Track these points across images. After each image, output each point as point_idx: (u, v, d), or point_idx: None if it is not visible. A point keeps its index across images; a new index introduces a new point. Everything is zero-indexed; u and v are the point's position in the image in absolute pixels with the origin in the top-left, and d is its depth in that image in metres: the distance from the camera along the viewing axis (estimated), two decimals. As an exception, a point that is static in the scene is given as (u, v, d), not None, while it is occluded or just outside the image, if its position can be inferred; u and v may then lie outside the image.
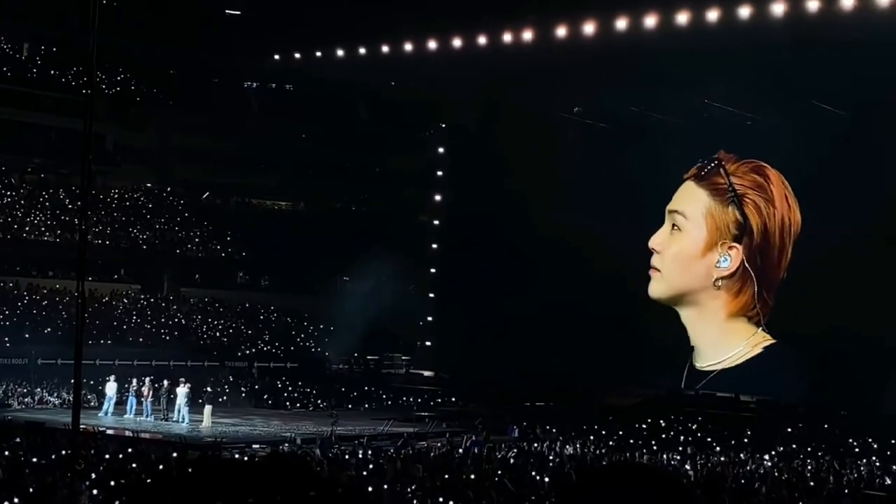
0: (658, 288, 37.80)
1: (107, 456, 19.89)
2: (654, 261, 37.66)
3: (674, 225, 37.58)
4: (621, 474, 1.81)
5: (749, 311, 36.56)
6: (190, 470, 1.41)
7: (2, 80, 48.20)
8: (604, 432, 31.22)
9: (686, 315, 37.67)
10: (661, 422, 33.04)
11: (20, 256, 45.59)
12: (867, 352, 33.11)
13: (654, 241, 37.71)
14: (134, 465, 18.76)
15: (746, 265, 36.46)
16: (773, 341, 36.10)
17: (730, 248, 36.71)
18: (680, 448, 28.41)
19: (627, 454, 26.85)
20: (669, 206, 37.69)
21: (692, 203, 37.31)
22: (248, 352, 45.32)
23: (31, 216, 46.99)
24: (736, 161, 36.97)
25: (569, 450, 27.79)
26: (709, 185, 37.11)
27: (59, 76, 49.14)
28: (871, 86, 32.02)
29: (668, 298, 37.79)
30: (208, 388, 35.20)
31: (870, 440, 29.40)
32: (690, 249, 37.20)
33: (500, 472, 20.22)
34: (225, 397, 38.25)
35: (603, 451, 27.51)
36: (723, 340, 36.90)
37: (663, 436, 31.06)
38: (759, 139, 36.66)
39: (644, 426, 32.50)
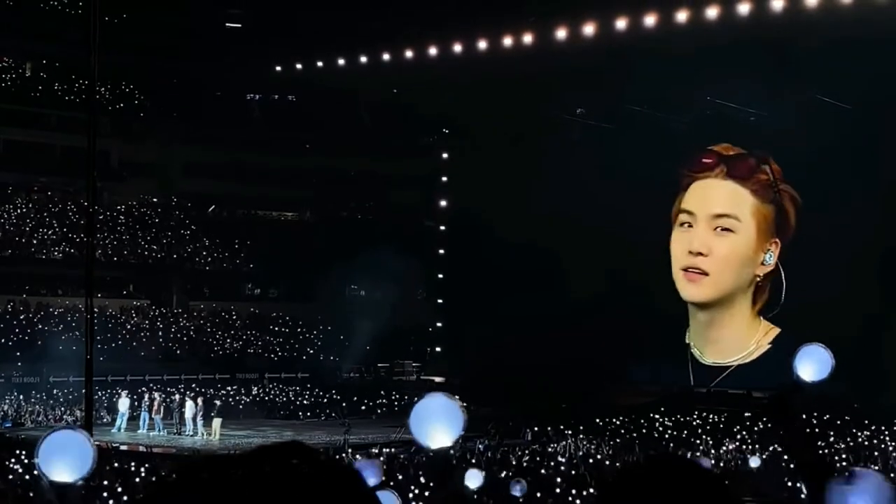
0: (703, 292, 37.11)
1: (119, 468, 19.91)
2: (701, 264, 36.88)
3: (720, 227, 36.92)
4: (660, 471, 1.81)
5: (773, 305, 36.40)
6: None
7: (6, 99, 48.34)
8: (620, 431, 31.20)
9: (714, 315, 37.24)
10: (675, 419, 33.02)
11: (29, 275, 45.72)
12: (878, 342, 33.00)
13: (698, 245, 36.92)
14: (145, 479, 18.79)
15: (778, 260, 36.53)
16: (778, 330, 36.09)
17: (772, 244, 36.55)
18: (695, 445, 28.37)
19: (641, 453, 26.82)
20: (714, 210, 36.95)
21: (739, 203, 36.72)
22: (258, 363, 45.37)
23: (39, 234, 47.12)
24: (749, 155, 36.72)
25: (582, 450, 27.80)
26: (753, 183, 36.54)
27: (63, 94, 49.26)
28: (874, 80, 31.97)
29: (711, 301, 37.27)
30: (217, 402, 35.27)
31: (884, 431, 29.32)
32: (744, 250, 36.69)
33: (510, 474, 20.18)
34: (241, 407, 38.35)
35: (611, 451, 27.49)
36: (746, 336, 36.75)
37: (676, 433, 31.04)
38: (762, 135, 36.61)
39: (657, 424, 32.48)
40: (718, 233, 36.97)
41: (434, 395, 3.65)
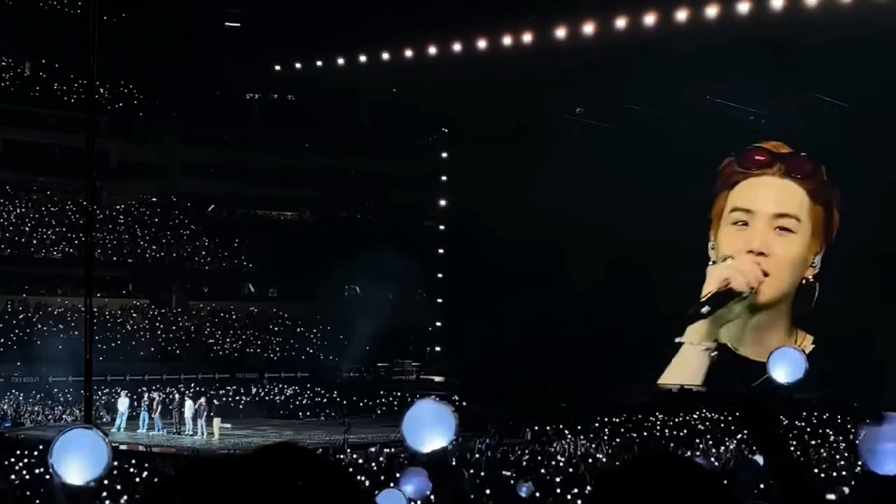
0: (764, 293, 36.10)
1: (120, 469, 19.90)
2: (762, 264, 35.88)
3: (780, 227, 36.06)
4: (651, 470, 1.79)
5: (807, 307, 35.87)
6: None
7: (5, 99, 48.34)
8: (620, 431, 31.19)
9: (763, 318, 36.32)
10: (675, 419, 33.02)
11: (28, 275, 45.72)
12: (879, 342, 33.00)
13: (759, 245, 35.97)
14: (145, 478, 18.78)
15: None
16: (811, 338, 35.31)
17: (821, 246, 35.93)
18: (695, 445, 28.37)
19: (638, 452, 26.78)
20: (775, 209, 36.07)
21: (798, 203, 35.94)
22: (258, 362, 45.38)
23: (39, 234, 47.11)
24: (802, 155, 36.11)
25: (581, 450, 27.80)
26: (809, 183, 35.73)
27: (62, 94, 49.26)
28: (874, 79, 31.95)
29: (768, 303, 36.29)
30: (215, 401, 35.29)
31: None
32: (801, 252, 35.93)
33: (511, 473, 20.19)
34: (241, 407, 38.36)
35: (611, 450, 27.49)
36: (787, 341, 35.18)
37: (676, 433, 31.03)
38: (762, 135, 36.61)
39: (658, 424, 32.47)
40: (778, 233, 35.98)
41: (424, 400, 3.71)
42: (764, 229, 36.12)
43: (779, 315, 36.25)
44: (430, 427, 3.61)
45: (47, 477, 17.72)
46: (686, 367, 37.32)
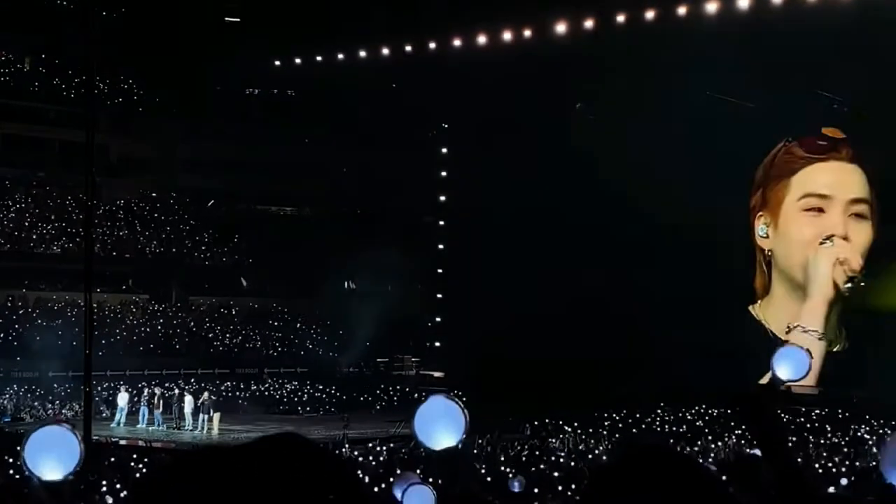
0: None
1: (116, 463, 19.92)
2: (843, 251, 34.32)
3: (855, 213, 34.65)
4: (640, 467, 1.77)
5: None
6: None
7: (4, 94, 48.30)
8: (619, 426, 31.21)
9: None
10: (676, 414, 33.02)
11: (28, 270, 45.71)
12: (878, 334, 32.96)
13: (841, 231, 34.47)
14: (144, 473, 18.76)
15: None
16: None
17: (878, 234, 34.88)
18: (697, 439, 28.38)
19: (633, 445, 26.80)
20: (851, 195, 34.70)
21: (868, 189, 34.72)
22: (257, 358, 45.41)
23: (38, 229, 47.11)
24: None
25: (581, 445, 27.82)
26: (870, 169, 34.65)
27: (62, 89, 49.23)
28: (874, 76, 31.91)
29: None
30: (213, 397, 35.32)
31: (883, 425, 29.33)
32: (871, 239, 34.63)
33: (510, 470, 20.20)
34: (241, 402, 38.37)
35: (611, 445, 27.52)
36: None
37: (676, 428, 31.05)
38: (762, 130, 36.54)
39: (658, 419, 32.48)
40: (854, 219, 34.68)
41: (435, 397, 3.70)
42: (839, 215, 34.76)
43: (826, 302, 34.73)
44: (442, 424, 3.62)
45: (18, 478, 17.76)
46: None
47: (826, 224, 34.70)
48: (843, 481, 15.81)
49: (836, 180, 35.15)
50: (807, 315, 34.46)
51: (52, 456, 3.20)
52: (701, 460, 23.79)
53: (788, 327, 34.60)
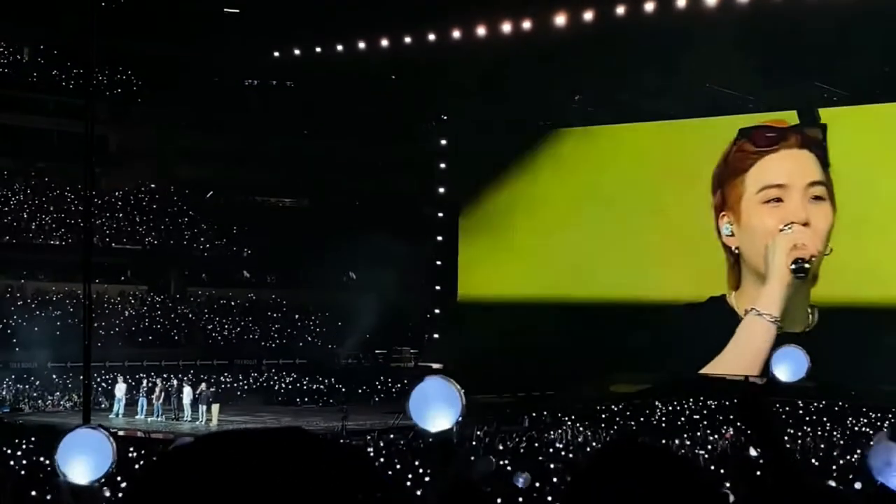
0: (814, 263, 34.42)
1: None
2: (802, 237, 34.27)
3: (814, 196, 34.60)
4: (621, 463, 1.80)
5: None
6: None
7: (3, 84, 48.23)
8: (617, 419, 31.25)
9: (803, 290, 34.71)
10: (671, 407, 33.06)
11: (27, 260, 45.70)
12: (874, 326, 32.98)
13: (801, 216, 34.39)
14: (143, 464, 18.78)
15: None
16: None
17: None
18: (690, 433, 28.42)
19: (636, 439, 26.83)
20: (808, 179, 34.72)
21: (821, 172, 34.73)
22: (256, 349, 45.42)
23: (37, 220, 47.09)
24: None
25: (580, 437, 27.85)
26: (815, 150, 34.78)
27: (61, 80, 49.16)
28: (873, 72, 31.89)
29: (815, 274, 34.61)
30: (212, 387, 35.34)
31: (878, 417, 29.40)
32: (832, 220, 34.63)
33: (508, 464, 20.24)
34: (239, 394, 38.40)
35: (609, 438, 27.53)
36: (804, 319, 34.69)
37: (674, 420, 31.09)
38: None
39: (654, 412, 32.52)
40: (813, 202, 34.66)
41: (431, 378, 3.67)
42: (800, 201, 34.89)
43: (806, 288, 34.91)
44: (437, 406, 3.58)
45: (48, 467, 17.77)
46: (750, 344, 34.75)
47: (787, 211, 34.72)
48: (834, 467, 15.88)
49: (790, 168, 35.24)
50: (763, 299, 34.64)
51: (83, 458, 3.18)
52: (700, 451, 23.85)
53: (745, 311, 34.99)
